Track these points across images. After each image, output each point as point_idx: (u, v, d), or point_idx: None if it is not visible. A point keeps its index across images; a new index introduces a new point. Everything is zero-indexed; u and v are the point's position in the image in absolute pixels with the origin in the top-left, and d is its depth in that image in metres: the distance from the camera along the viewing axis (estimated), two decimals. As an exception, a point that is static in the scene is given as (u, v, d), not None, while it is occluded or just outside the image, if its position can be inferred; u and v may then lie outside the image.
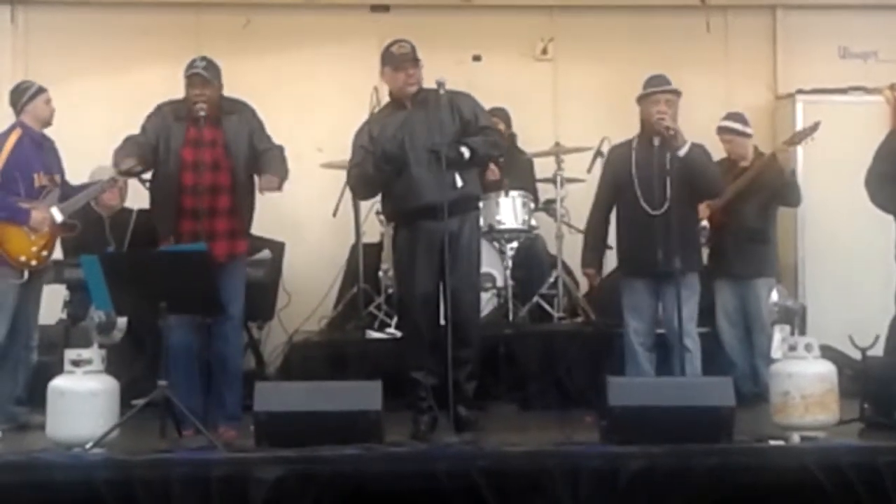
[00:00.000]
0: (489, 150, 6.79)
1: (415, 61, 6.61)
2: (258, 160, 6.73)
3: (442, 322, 6.49)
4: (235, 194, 6.63)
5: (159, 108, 6.77)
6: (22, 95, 7.06)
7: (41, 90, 7.10)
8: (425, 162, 6.49)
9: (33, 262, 6.89)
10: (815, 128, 7.79)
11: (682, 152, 6.66)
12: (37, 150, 7.01)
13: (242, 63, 8.40)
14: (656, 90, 6.79)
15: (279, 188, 6.69)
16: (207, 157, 6.56)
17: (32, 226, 6.85)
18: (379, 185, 6.71)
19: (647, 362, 6.81)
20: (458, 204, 6.57)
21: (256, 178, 6.71)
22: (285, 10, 9.07)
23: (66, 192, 7.10)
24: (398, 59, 6.62)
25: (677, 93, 6.86)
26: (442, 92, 6.52)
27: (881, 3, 9.32)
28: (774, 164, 7.74)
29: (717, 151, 7.65)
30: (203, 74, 6.62)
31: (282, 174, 6.70)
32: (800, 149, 8.33)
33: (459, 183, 6.57)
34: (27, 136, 6.98)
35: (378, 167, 6.54)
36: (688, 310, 6.68)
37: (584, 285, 8.51)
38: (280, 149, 6.81)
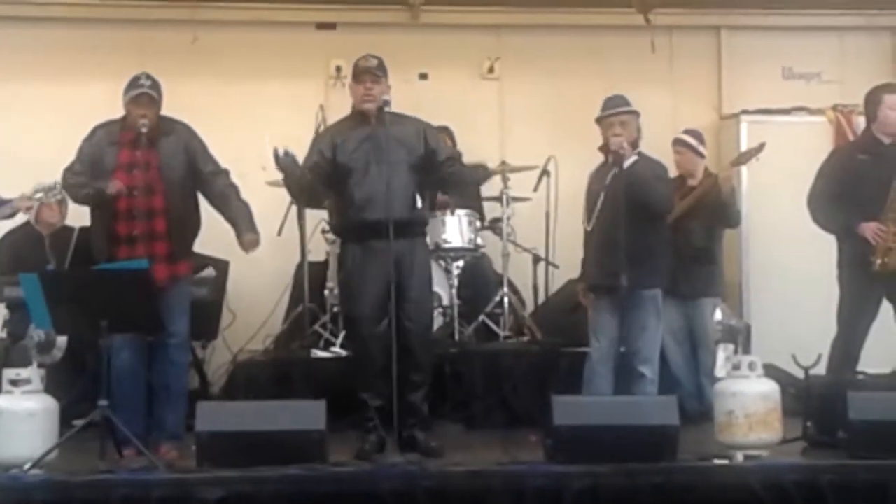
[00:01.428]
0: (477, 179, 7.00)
1: (375, 76, 6.54)
2: (206, 186, 6.68)
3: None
4: (171, 217, 6.54)
5: (93, 131, 6.67)
6: None
7: None
8: (389, 177, 6.41)
9: None
10: (760, 148, 7.86)
11: (627, 163, 6.66)
12: None
13: (187, 80, 8.36)
14: (610, 112, 6.80)
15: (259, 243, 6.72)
16: (140, 180, 6.46)
17: None
18: (313, 193, 6.68)
19: (606, 383, 6.76)
20: (411, 225, 6.54)
21: (231, 226, 6.72)
22: (231, 27, 9.03)
23: None
24: (359, 72, 6.58)
25: (634, 113, 6.85)
26: (369, 106, 6.49)
27: (824, 24, 9.43)
28: (716, 186, 7.79)
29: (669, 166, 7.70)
30: (150, 94, 6.54)
31: (253, 222, 6.72)
32: (744, 169, 8.40)
33: (419, 203, 6.56)
34: None
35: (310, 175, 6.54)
36: (649, 334, 6.70)
37: (530, 304, 8.55)
38: (234, 187, 6.77)
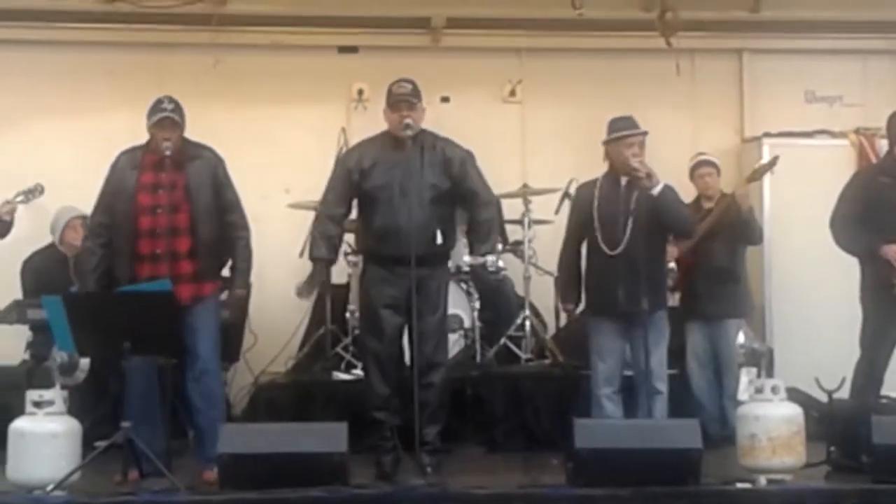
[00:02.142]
0: (496, 242, 6.95)
1: (411, 104, 6.54)
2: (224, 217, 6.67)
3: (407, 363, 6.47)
4: (197, 236, 6.53)
5: (117, 159, 6.68)
6: None
7: None
8: (411, 213, 6.41)
9: None
10: (773, 162, 7.87)
11: (656, 191, 6.64)
12: None
13: (209, 104, 8.39)
14: (628, 133, 6.79)
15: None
16: (165, 200, 6.46)
17: None
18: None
19: (613, 405, 6.76)
20: (432, 259, 6.56)
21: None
22: (253, 50, 9.06)
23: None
24: (395, 99, 6.58)
25: (646, 133, 6.86)
26: (409, 133, 6.50)
27: (846, 48, 9.41)
28: (734, 204, 7.77)
29: (687, 193, 7.70)
30: (173, 118, 6.55)
31: (247, 279, 6.78)
32: (766, 191, 8.41)
33: (440, 240, 6.56)
34: None
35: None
36: (659, 353, 6.68)
37: (552, 327, 8.53)
38: (244, 232, 6.72)
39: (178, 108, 6.61)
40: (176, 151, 6.53)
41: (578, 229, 6.96)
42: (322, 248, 6.66)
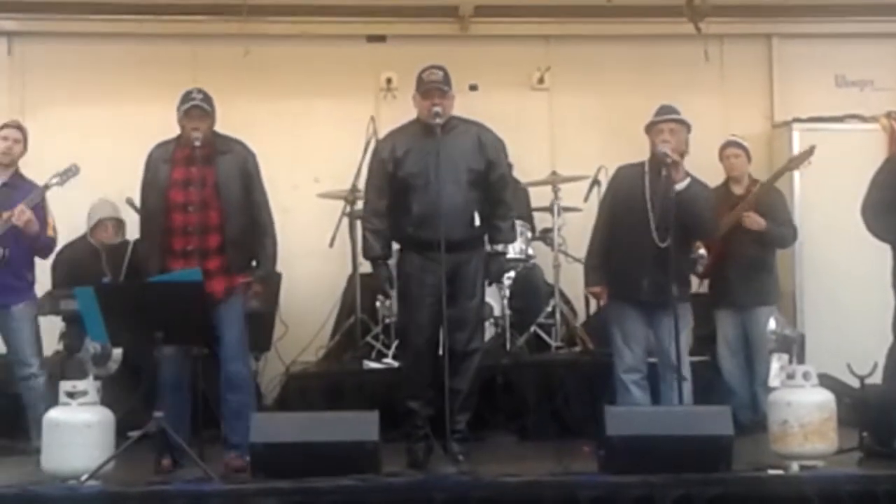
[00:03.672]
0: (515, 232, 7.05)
1: (442, 91, 6.55)
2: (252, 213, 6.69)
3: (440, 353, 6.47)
4: (227, 233, 6.54)
5: (149, 155, 6.71)
6: None
7: (3, 126, 7.14)
8: (448, 197, 6.42)
9: None
10: (810, 152, 7.82)
11: (680, 187, 6.61)
12: None
13: (239, 94, 8.43)
14: (660, 119, 6.77)
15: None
16: (196, 197, 6.49)
17: None
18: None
19: (640, 391, 6.74)
20: (470, 242, 6.57)
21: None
22: (282, 40, 9.08)
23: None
24: (426, 86, 6.58)
25: (684, 123, 6.82)
26: (438, 121, 6.51)
27: (877, 31, 9.34)
28: (770, 195, 7.74)
29: (716, 176, 7.66)
30: (202, 106, 6.57)
31: (267, 280, 6.85)
32: (797, 177, 8.34)
33: (477, 221, 6.56)
34: None
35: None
36: (685, 338, 6.67)
37: (581, 314, 8.52)
38: (272, 244, 6.72)
39: (207, 99, 6.63)
40: (206, 144, 6.55)
41: (614, 212, 6.88)
42: (375, 247, 6.66)
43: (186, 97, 6.63)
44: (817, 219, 8.53)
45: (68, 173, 6.99)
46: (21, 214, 6.87)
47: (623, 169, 6.98)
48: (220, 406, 6.61)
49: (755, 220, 7.69)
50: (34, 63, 9.06)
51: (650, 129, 6.81)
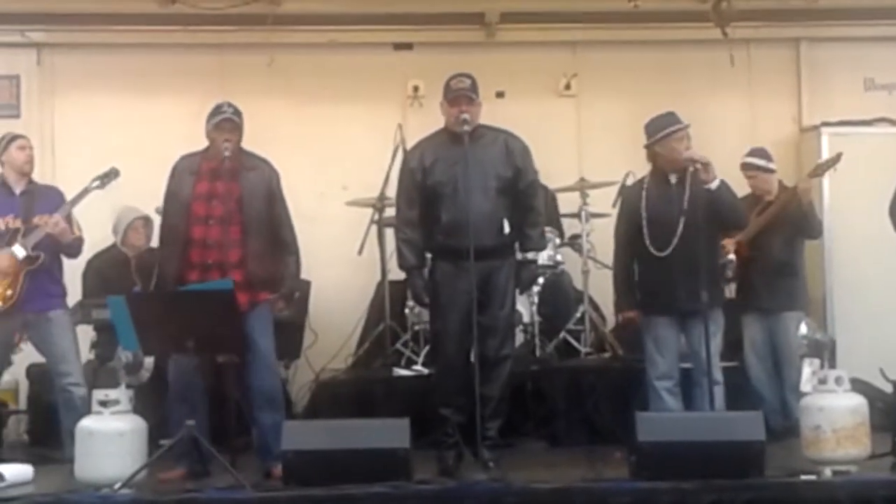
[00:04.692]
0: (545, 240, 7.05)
1: (469, 99, 6.57)
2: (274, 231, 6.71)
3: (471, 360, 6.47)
4: (247, 248, 6.56)
5: (175, 166, 6.75)
6: None
7: (14, 138, 7.17)
8: (477, 204, 6.45)
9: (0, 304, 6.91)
10: (837, 159, 7.78)
11: (714, 185, 6.62)
12: (4, 198, 7.06)
13: (266, 102, 8.48)
14: (678, 127, 6.77)
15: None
16: (218, 211, 6.53)
17: None
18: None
19: (672, 398, 6.75)
20: (500, 249, 6.58)
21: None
22: (308, 49, 9.11)
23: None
24: (453, 93, 6.60)
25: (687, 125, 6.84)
26: (466, 128, 6.52)
27: (906, 34, 9.31)
28: (795, 197, 7.71)
29: (742, 185, 7.64)
30: (233, 119, 6.61)
31: (290, 297, 6.82)
32: (825, 181, 8.32)
33: (506, 229, 6.57)
34: None
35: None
36: (714, 344, 6.65)
37: (610, 321, 8.51)
38: (294, 262, 6.74)
39: (237, 112, 6.67)
40: (233, 158, 6.58)
41: (629, 234, 6.91)
42: (409, 256, 6.68)
43: (217, 110, 6.66)
44: (847, 222, 8.49)
45: (109, 177, 7.05)
46: (56, 225, 6.92)
47: (626, 191, 7.10)
48: (253, 415, 6.61)
49: (808, 190, 7.64)
50: (63, 74, 9.12)
51: (667, 138, 6.77)
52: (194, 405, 6.43)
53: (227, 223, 6.53)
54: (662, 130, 6.77)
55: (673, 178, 6.70)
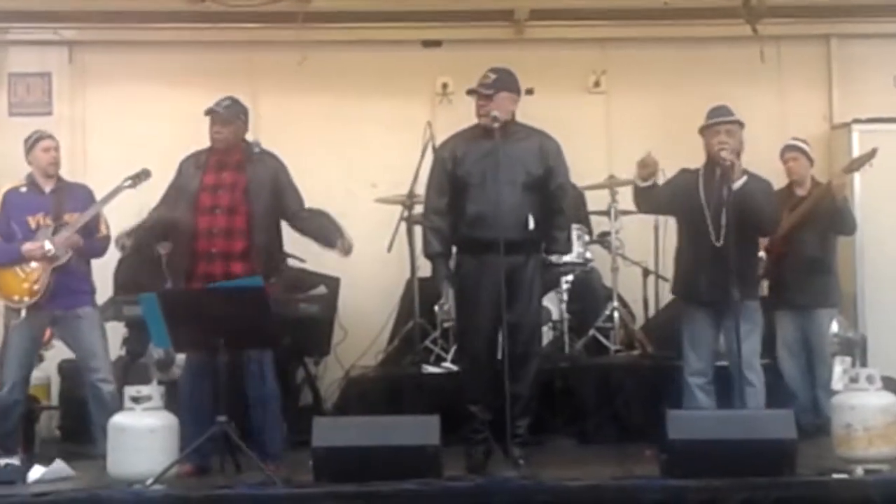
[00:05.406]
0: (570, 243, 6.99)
1: (486, 96, 6.59)
2: (296, 223, 6.78)
3: (499, 357, 6.47)
4: (252, 239, 6.63)
5: (182, 163, 6.86)
6: (25, 146, 7.18)
7: (39, 139, 7.20)
8: (503, 197, 6.45)
9: (26, 299, 6.94)
10: (872, 154, 7.74)
11: (736, 185, 6.61)
12: (35, 196, 7.10)
13: (296, 100, 8.52)
14: (716, 121, 6.77)
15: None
16: (224, 200, 6.62)
17: (24, 254, 6.91)
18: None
19: (705, 395, 6.74)
20: (524, 244, 6.57)
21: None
22: (338, 46, 9.12)
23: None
24: (476, 88, 6.66)
25: (739, 123, 6.82)
26: (495, 124, 6.51)
27: (937, 31, 9.25)
28: (829, 193, 7.68)
29: (773, 179, 7.62)
30: (221, 114, 6.71)
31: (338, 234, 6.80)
32: (857, 178, 8.27)
33: (532, 225, 6.57)
34: (24, 187, 7.12)
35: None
36: (751, 343, 6.62)
37: (640, 317, 8.50)
38: (325, 215, 6.82)
39: (232, 106, 6.75)
40: (233, 149, 6.68)
41: (671, 208, 7.01)
42: (434, 244, 6.68)
43: (217, 104, 6.78)
44: (878, 219, 8.45)
45: (140, 177, 7.08)
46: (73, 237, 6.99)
47: (684, 171, 6.99)
48: (251, 413, 6.64)
49: (842, 185, 7.62)
50: (94, 72, 9.18)
51: (705, 130, 6.80)
52: (203, 406, 6.46)
53: (232, 213, 6.62)
54: (707, 121, 6.79)
55: (718, 171, 6.70)
